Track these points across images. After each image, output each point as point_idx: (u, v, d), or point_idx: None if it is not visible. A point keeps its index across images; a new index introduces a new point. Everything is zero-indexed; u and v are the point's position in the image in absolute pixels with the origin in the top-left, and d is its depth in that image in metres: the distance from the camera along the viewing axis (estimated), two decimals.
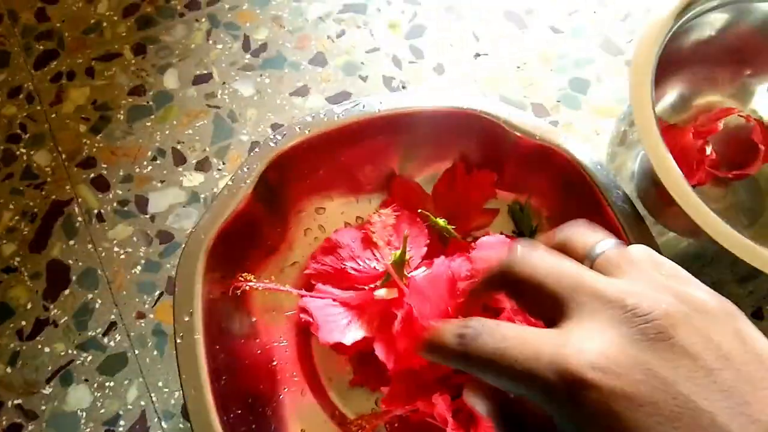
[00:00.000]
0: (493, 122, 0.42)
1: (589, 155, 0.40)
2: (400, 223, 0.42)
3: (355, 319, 0.38)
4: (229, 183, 0.39)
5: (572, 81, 0.53)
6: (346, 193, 0.46)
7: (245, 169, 0.40)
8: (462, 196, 0.45)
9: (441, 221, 0.42)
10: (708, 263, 0.43)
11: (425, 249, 0.41)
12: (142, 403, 0.42)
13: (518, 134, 0.42)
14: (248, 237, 0.41)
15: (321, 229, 0.45)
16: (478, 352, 0.22)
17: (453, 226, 0.43)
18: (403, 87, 0.53)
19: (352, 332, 0.37)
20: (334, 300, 0.38)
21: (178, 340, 0.35)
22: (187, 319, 0.36)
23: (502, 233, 0.44)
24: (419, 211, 0.41)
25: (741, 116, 0.46)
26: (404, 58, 0.54)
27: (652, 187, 0.40)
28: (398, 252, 0.37)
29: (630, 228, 0.38)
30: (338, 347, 0.37)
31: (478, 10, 0.57)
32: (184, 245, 0.36)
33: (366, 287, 0.38)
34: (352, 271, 0.40)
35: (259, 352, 0.40)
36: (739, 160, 0.46)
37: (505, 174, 0.45)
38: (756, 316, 0.44)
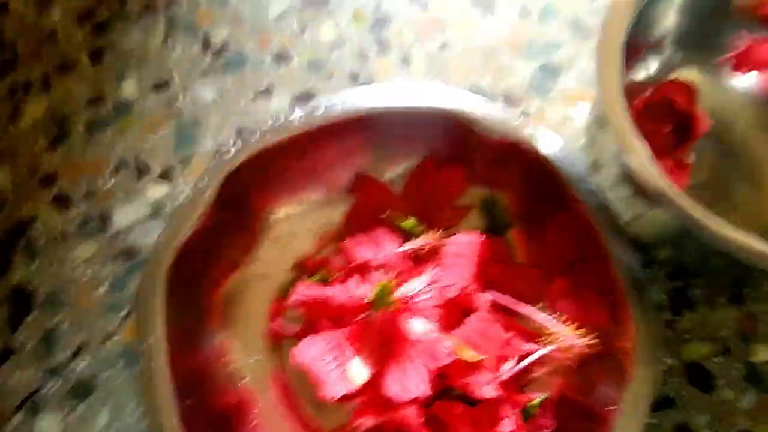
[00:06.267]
0: (458, 117, 0.41)
1: (559, 147, 0.39)
2: (373, 232, 0.41)
3: (356, 357, 0.36)
4: (187, 198, 0.38)
5: (543, 67, 0.52)
6: (318, 197, 0.44)
7: (204, 182, 0.39)
8: (432, 194, 0.44)
9: (409, 222, 0.41)
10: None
11: None
12: (114, 427, 0.41)
13: (485, 129, 0.40)
14: (211, 252, 0.40)
15: (292, 237, 0.44)
16: None
17: (423, 226, 0.42)
18: (369, 82, 0.51)
19: (357, 373, 0.35)
20: (328, 343, 0.36)
21: (141, 364, 0.35)
22: (150, 341, 0.35)
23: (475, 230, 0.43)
24: (385, 215, 0.40)
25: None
26: (370, 52, 0.52)
27: None
28: (384, 284, 0.35)
29: (600, 222, 0.37)
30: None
31: None
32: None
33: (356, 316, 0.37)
34: (339, 300, 0.38)
35: (228, 370, 0.39)
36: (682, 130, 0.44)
37: (475, 169, 0.44)
38: (734, 300, 0.43)
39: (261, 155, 0.39)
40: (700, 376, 0.41)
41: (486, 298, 0.37)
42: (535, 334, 0.38)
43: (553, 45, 0.52)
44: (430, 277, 0.38)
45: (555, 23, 0.53)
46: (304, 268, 0.43)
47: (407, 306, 0.37)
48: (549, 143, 0.39)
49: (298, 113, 0.39)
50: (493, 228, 0.44)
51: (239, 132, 0.50)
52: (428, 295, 0.37)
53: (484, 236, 0.41)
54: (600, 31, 0.39)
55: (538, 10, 0.54)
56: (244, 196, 0.41)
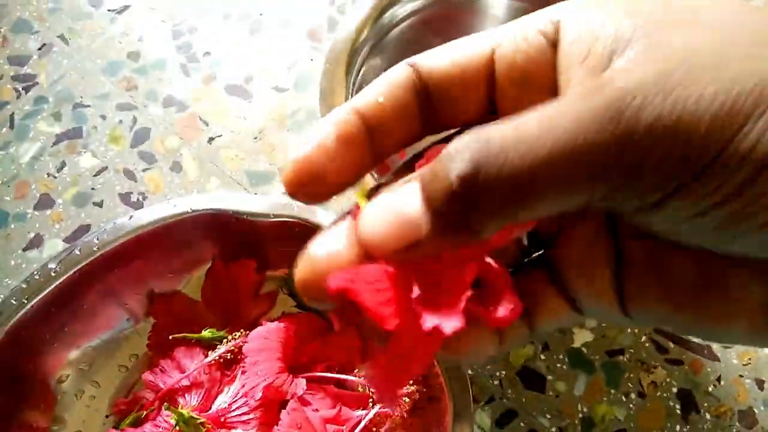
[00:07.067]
0: (227, 215, 0.40)
1: (330, 214, 0.40)
2: (174, 353, 0.39)
3: None
4: None
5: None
6: (114, 332, 0.42)
7: None
8: (230, 292, 0.43)
9: (207, 333, 0.39)
10: None
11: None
12: None
13: (258, 216, 0.41)
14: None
15: (95, 385, 0.41)
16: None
17: (226, 329, 0.40)
18: (144, 198, 0.50)
19: None
20: None
21: None
22: None
23: (283, 313, 0.43)
24: (175, 336, 0.39)
25: None
26: (137, 168, 0.51)
27: None
28: (178, 412, 0.33)
29: None
30: None
31: (197, 92, 0.55)
32: None
33: None
34: None
35: None
36: None
37: (267, 255, 0.43)
38: None
39: (25, 321, 0.36)
40: (533, 379, 0.43)
41: (301, 383, 0.37)
42: (368, 396, 0.38)
43: (312, 112, 0.54)
44: (240, 382, 0.36)
45: (312, 90, 0.55)
46: (119, 413, 0.40)
47: (224, 421, 0.35)
48: (322, 212, 0.40)
49: (49, 266, 0.37)
50: (302, 304, 0.44)
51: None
52: (242, 401, 0.36)
53: (293, 318, 0.41)
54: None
55: (292, 82, 0.55)
56: (25, 363, 0.38)
